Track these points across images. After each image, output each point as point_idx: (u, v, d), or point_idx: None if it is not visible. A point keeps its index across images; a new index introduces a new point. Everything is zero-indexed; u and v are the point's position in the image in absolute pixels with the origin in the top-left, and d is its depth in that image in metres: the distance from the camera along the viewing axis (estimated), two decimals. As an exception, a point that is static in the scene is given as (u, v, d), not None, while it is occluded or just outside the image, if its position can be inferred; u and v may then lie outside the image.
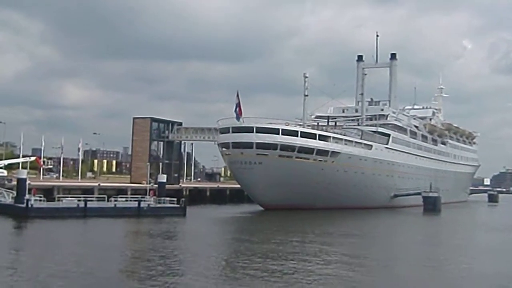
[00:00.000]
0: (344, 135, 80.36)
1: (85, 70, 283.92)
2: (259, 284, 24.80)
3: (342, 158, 77.01)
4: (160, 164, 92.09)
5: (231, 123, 72.58)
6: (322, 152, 74.03)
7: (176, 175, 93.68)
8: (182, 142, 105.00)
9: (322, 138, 74.62)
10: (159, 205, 58.68)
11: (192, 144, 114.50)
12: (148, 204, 57.54)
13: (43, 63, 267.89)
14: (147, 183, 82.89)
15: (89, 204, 53.23)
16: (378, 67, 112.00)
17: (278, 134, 70.46)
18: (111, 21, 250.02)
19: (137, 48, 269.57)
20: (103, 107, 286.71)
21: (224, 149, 74.77)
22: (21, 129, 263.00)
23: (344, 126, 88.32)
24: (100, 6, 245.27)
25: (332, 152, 75.30)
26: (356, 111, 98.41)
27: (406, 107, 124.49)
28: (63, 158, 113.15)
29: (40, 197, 53.85)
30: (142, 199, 58.76)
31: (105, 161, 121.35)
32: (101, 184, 73.10)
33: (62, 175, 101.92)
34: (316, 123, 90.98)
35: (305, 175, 72.36)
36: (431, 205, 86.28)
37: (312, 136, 73.33)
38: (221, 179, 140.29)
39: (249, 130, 70.68)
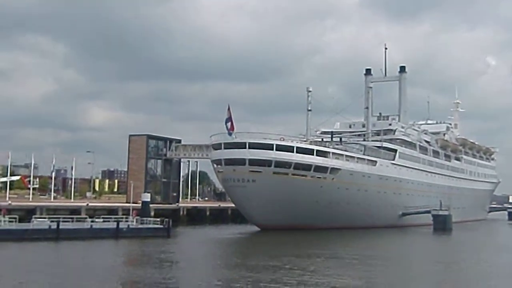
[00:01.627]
0: (345, 150, 76.32)
1: (109, 92, 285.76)
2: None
3: (343, 175, 72.92)
4: (158, 183, 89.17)
5: (225, 138, 68.98)
6: (320, 169, 70.06)
7: (174, 194, 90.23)
8: (185, 160, 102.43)
9: (321, 154, 70.64)
10: (140, 226, 55.20)
11: (196, 162, 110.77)
12: (128, 225, 54.06)
13: (69, 85, 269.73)
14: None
15: (63, 225, 49.93)
16: (387, 81, 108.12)
17: (272, 149, 66.65)
18: (134, 44, 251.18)
19: (159, 69, 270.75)
20: (127, 128, 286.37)
21: (217, 166, 71.24)
22: (47, 150, 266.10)
23: (347, 142, 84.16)
24: (123, 30, 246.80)
25: (332, 168, 71.28)
26: (363, 126, 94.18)
27: (419, 122, 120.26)
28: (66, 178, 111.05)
29: (14, 218, 50.71)
30: (123, 219, 55.39)
31: (107, 180, 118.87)
32: (90, 204, 69.93)
33: (60, 195, 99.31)
34: (320, 139, 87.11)
35: (303, 193, 68.45)
36: (441, 224, 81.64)
37: (309, 151, 69.42)
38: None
39: (241, 146, 67.04)
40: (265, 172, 66.41)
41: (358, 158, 76.88)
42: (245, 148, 66.57)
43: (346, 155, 74.61)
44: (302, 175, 68.66)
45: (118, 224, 52.90)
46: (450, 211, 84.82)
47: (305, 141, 77.33)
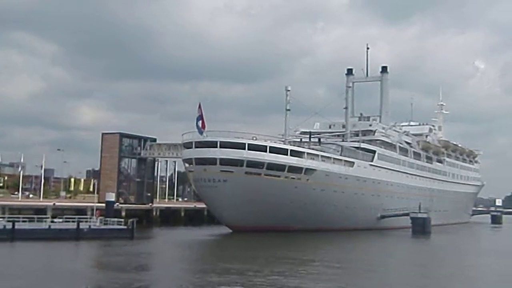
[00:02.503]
0: (322, 151, 74.50)
1: (98, 91, 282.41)
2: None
3: (319, 176, 71.08)
4: (132, 182, 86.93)
5: (196, 137, 66.87)
6: (294, 169, 68.17)
7: (149, 194, 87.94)
8: (165, 160, 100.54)
9: (295, 154, 68.69)
10: (103, 227, 53.04)
11: (174, 162, 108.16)
12: (89, 226, 51.88)
13: (57, 84, 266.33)
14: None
15: (19, 226, 47.76)
16: (369, 81, 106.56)
17: (245, 149, 64.60)
18: (124, 43, 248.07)
19: (150, 69, 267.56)
20: (116, 127, 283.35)
21: (188, 165, 69.18)
22: (35, 149, 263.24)
23: (325, 142, 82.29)
24: (113, 29, 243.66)
25: (307, 169, 69.39)
26: (343, 127, 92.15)
27: (402, 124, 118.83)
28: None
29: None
30: (87, 220, 53.28)
31: (82, 180, 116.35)
32: (57, 204, 67.60)
33: (34, 195, 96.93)
34: (299, 139, 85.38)
35: (276, 194, 66.56)
36: (420, 227, 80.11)
37: (283, 151, 67.46)
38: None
39: (212, 145, 64.92)
40: (237, 172, 64.45)
41: (334, 158, 75.05)
42: (216, 147, 64.50)
43: (322, 156, 72.78)
44: (276, 176, 66.77)
45: (78, 225, 50.71)
46: (429, 213, 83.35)
47: (283, 141, 75.77)
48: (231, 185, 64.12)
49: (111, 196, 60.69)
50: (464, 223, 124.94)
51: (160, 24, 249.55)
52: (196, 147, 66.46)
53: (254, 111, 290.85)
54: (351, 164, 78.04)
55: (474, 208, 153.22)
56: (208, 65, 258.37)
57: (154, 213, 79.95)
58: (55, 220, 52.20)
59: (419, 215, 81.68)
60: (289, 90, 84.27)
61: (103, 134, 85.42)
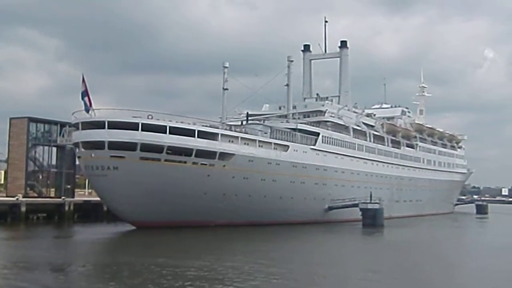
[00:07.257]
0: (245, 132, 64.12)
1: (104, 86, 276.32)
2: None
3: (239, 161, 60.67)
4: (50, 173, 76.85)
5: (83, 116, 56.60)
6: (206, 154, 57.69)
7: (69, 186, 77.76)
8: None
9: (205, 135, 58.17)
10: None
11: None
12: None
13: (63, 80, 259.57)
14: (22, 197, 68.50)
15: None
16: (327, 58, 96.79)
17: (138, 130, 54.15)
18: (130, 38, 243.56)
19: (155, 63, 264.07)
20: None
21: (77, 150, 59.01)
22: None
23: (251, 123, 72.02)
24: (118, 23, 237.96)
25: (221, 153, 59.02)
26: (295, 107, 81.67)
27: (374, 107, 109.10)
28: None
29: None
30: None
31: (2, 172, 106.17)
32: None
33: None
34: (240, 122, 75.39)
35: (184, 184, 56.26)
36: (371, 219, 70.27)
37: (188, 132, 56.73)
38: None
39: (100, 125, 54.44)
40: (130, 158, 54.02)
41: (261, 141, 64.46)
42: (104, 128, 54.16)
43: (243, 138, 62.21)
44: (181, 162, 56.45)
45: None
46: (381, 204, 73.08)
47: (221, 124, 66.71)
48: (124, 173, 53.84)
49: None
50: (445, 214, 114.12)
51: (164, 17, 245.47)
52: (82, 128, 56.14)
53: (260, 103, 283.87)
54: (285, 148, 67.51)
55: (460, 197, 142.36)
56: (214, 58, 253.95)
57: (67, 208, 69.92)
58: None
59: (369, 206, 71.50)
60: (226, 67, 75.68)
61: (10, 119, 75.37)
